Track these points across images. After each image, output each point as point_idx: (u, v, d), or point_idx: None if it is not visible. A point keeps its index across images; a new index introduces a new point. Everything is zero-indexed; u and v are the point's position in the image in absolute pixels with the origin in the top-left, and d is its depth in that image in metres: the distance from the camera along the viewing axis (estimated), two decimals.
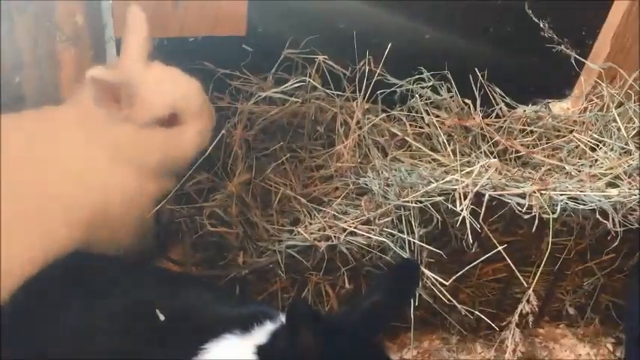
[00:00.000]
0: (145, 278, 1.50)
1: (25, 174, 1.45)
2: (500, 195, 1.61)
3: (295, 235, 1.65)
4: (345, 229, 1.63)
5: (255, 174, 1.76)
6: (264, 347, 1.26)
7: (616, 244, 1.67)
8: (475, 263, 1.62)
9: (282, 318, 1.33)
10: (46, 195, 1.45)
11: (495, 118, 1.99)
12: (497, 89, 2.01)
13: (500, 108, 2.01)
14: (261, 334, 1.30)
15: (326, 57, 1.83)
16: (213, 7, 1.81)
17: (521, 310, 1.55)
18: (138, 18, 1.53)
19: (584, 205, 1.62)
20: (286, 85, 1.78)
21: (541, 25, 1.99)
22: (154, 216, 1.63)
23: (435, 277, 1.57)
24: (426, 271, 1.58)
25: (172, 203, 1.66)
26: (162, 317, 1.34)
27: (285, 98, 1.81)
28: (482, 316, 1.66)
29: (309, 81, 1.81)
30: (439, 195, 1.59)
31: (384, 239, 1.61)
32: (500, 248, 1.57)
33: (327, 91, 1.86)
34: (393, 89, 1.94)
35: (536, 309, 1.70)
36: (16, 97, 1.75)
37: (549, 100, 2.14)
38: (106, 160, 1.50)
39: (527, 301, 1.54)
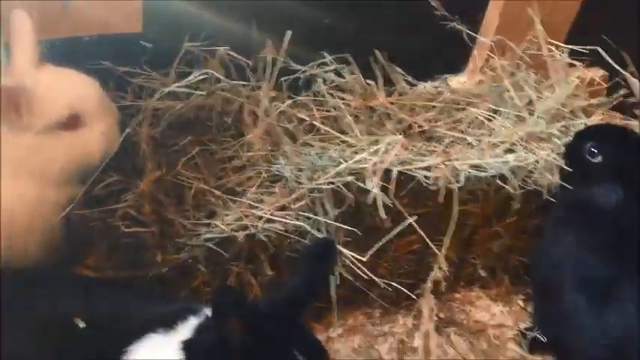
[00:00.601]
0: (62, 288, 1.46)
1: None
2: (407, 170, 1.67)
3: (212, 227, 1.65)
4: (261, 217, 1.65)
5: (166, 170, 1.74)
6: (190, 342, 1.26)
7: (518, 206, 1.77)
8: (388, 237, 1.68)
9: (207, 311, 1.33)
10: None
11: (398, 96, 2.06)
12: (398, 68, 2.07)
13: (402, 86, 2.07)
14: (186, 329, 1.30)
15: (227, 48, 1.83)
16: (106, 5, 1.77)
17: (435, 278, 1.62)
18: (23, 22, 1.49)
19: (486, 172, 1.71)
20: (189, 78, 1.77)
21: (433, 4, 2.07)
22: (64, 223, 1.58)
23: (353, 254, 1.62)
24: (344, 250, 1.63)
25: (83, 207, 1.62)
26: (81, 325, 1.31)
27: (190, 92, 1.79)
28: (401, 288, 1.72)
29: (211, 73, 1.80)
30: (349, 175, 1.63)
31: (300, 223, 1.64)
32: (411, 220, 1.63)
33: (231, 81, 1.86)
34: (296, 75, 1.96)
35: (449, 275, 1.78)
36: None
37: (447, 76, 2.23)
38: (7, 173, 1.45)
39: (440, 268, 1.62)
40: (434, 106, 2.06)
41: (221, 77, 1.82)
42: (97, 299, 1.40)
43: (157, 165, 1.73)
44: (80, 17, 1.75)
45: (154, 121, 1.77)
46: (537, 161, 1.76)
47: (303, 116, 1.93)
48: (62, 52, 1.74)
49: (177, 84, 1.77)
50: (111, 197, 1.68)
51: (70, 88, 1.49)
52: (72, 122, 1.48)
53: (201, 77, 1.78)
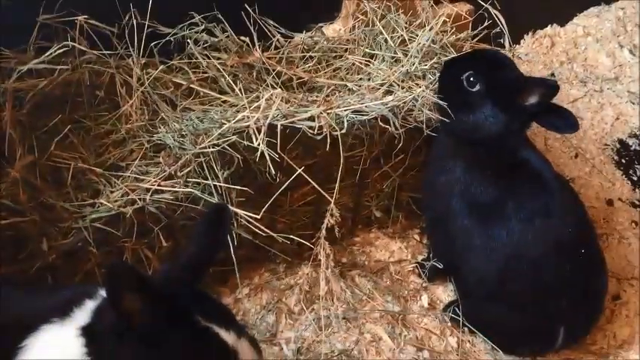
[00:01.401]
0: None
1: None
2: (291, 122, 1.66)
3: (98, 207, 1.59)
4: (149, 190, 1.60)
5: (40, 154, 1.64)
6: (89, 326, 1.21)
7: (401, 144, 1.82)
8: (279, 191, 1.68)
9: (102, 293, 1.28)
10: None
11: (274, 50, 2.03)
12: (271, 21, 2.04)
13: (278, 39, 2.05)
14: (84, 314, 1.25)
15: (87, 17, 1.72)
16: None
17: (330, 224, 1.65)
18: None
19: (367, 115, 1.73)
20: (48, 53, 1.66)
21: None
22: None
23: (247, 213, 1.61)
24: (238, 210, 1.61)
25: None
26: None
27: (53, 68, 1.68)
28: (300, 240, 1.74)
29: (73, 45, 1.70)
30: (234, 134, 1.61)
31: (190, 190, 1.61)
32: (300, 171, 1.64)
33: (97, 52, 1.76)
34: (167, 39, 1.89)
35: (346, 220, 1.82)
36: None
37: (321, 24, 2.22)
38: None
39: (332, 215, 1.64)
40: (311, 57, 2.06)
41: (85, 49, 1.72)
42: None
43: (28, 149, 1.62)
44: None
45: (18, 103, 1.65)
46: (415, 99, 1.80)
47: (179, 81, 1.87)
48: None
49: (36, 60, 1.65)
50: None
51: None
52: None
53: (63, 50, 1.67)
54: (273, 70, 1.93)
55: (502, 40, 2.22)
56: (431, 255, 1.98)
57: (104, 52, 1.77)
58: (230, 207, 1.51)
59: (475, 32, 2.17)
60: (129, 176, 1.65)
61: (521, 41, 2.94)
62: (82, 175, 1.68)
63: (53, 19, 1.69)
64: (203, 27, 1.91)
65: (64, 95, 1.76)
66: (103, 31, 1.77)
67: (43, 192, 1.58)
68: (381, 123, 1.75)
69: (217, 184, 1.60)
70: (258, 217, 1.59)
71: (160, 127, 1.74)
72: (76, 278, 1.62)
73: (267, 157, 1.59)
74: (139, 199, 1.58)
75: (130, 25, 1.80)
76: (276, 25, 2.06)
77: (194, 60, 1.93)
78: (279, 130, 1.63)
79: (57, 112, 1.73)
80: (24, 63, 1.65)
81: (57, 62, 1.69)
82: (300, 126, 1.66)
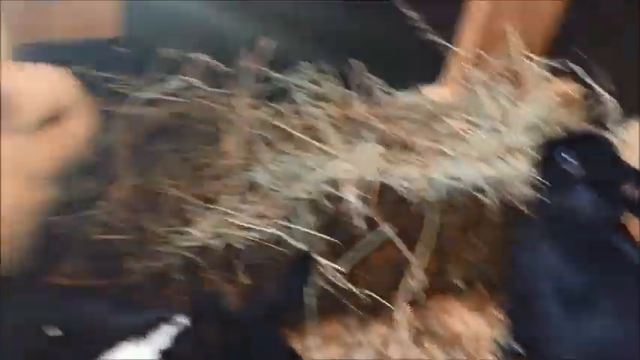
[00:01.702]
0: (34, 296, 1.43)
1: None
2: (385, 180, 1.67)
3: (188, 235, 1.63)
4: (238, 226, 1.63)
5: (142, 177, 1.71)
6: (169, 351, 1.24)
7: (493, 217, 1.78)
8: (366, 248, 1.67)
9: (182, 320, 1.31)
10: None
11: (375, 106, 2.06)
12: (376, 78, 2.07)
13: (379, 96, 2.08)
14: (162, 338, 1.28)
15: (205, 55, 1.81)
16: (86, 8, 1.75)
17: (410, 287, 1.62)
18: None
19: (462, 184, 1.72)
20: (166, 85, 1.75)
21: (408, 14, 2.08)
22: (40, 230, 1.55)
23: (331, 264, 1.61)
24: (321, 259, 1.62)
25: (58, 214, 1.59)
26: (55, 333, 1.28)
27: (166, 98, 1.77)
28: (378, 297, 1.72)
29: (189, 80, 1.78)
30: (327, 184, 1.63)
31: (277, 232, 1.63)
32: (388, 231, 1.63)
33: (209, 88, 1.84)
34: (274, 83, 1.95)
35: (426, 285, 1.78)
36: None
37: (423, 85, 2.24)
38: None
39: (415, 278, 1.62)
40: (411, 118, 2.07)
41: (198, 84, 1.80)
42: (69, 308, 1.36)
43: (132, 172, 1.71)
44: (60, 20, 1.72)
45: (130, 128, 1.75)
46: (513, 173, 1.77)
47: (280, 124, 1.92)
48: (40, 54, 1.70)
49: (154, 90, 1.74)
50: (87, 203, 1.65)
51: (49, 86, 1.47)
52: (54, 118, 1.45)
53: (179, 84, 1.76)
54: (373, 126, 1.95)
55: (608, 123, 2.17)
56: (510, 336, 1.90)
57: (215, 89, 1.85)
58: (315, 256, 1.52)
59: (581, 112, 2.13)
60: (221, 210, 1.70)
61: (628, 126, 2.85)
62: (177, 203, 1.73)
63: (175, 53, 1.80)
64: (311, 76, 1.96)
65: (171, 125, 1.84)
66: (218, 69, 1.86)
67: (139, 214, 1.65)
68: (475, 193, 1.73)
69: (305, 229, 1.62)
70: (342, 270, 1.59)
71: (255, 167, 1.79)
72: (157, 300, 1.66)
73: (358, 212, 1.60)
74: (228, 233, 1.61)
75: (242, 67, 1.88)
76: (380, 81, 2.10)
77: (297, 106, 1.98)
78: (372, 185, 1.64)
79: (163, 140, 1.81)
80: (143, 91, 1.75)
81: (171, 93, 1.78)
82: (394, 185, 1.66)
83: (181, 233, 1.65)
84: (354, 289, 1.68)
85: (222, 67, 1.86)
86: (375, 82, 2.09)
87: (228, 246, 1.62)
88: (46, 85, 1.47)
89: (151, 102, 1.81)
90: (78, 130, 1.51)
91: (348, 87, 2.02)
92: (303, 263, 1.29)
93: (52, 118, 1.46)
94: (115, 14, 1.79)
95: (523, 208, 1.77)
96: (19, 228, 1.50)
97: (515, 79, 2.14)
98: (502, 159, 1.85)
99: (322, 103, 1.98)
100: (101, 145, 1.63)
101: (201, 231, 1.62)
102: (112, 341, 1.26)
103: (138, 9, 1.78)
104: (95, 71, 1.75)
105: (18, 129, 1.42)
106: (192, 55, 1.81)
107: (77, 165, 1.55)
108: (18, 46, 1.70)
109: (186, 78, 1.78)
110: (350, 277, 1.80)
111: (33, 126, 1.43)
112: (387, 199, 1.70)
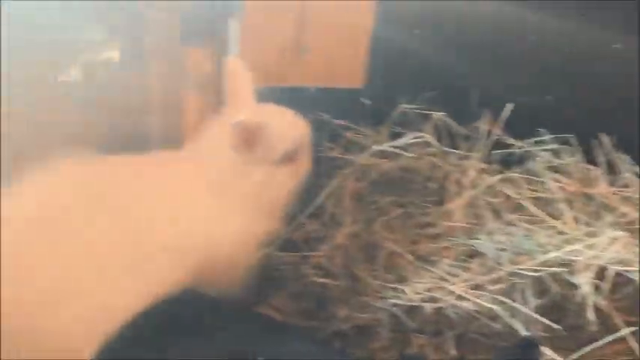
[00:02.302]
0: (247, 325, 1.49)
1: (137, 219, 1.43)
2: (626, 270, 1.49)
3: (400, 293, 1.60)
4: (453, 292, 1.56)
5: (363, 227, 1.73)
6: None
7: None
8: (597, 344, 1.49)
9: None
10: (157, 242, 1.43)
11: (622, 187, 1.86)
12: (626, 157, 1.88)
13: (628, 177, 1.88)
14: None
15: (444, 113, 1.80)
16: (333, 59, 1.84)
17: None
18: (238, 65, 1.58)
19: None
20: (401, 140, 1.77)
21: None
22: (260, 261, 1.63)
23: (553, 354, 1.46)
24: (546, 351, 1.47)
25: (278, 250, 1.66)
26: None
27: (399, 153, 1.79)
28: None
29: (423, 135, 1.78)
30: (559, 266, 1.49)
31: (494, 307, 1.52)
32: (626, 331, 1.44)
33: (442, 147, 1.82)
34: (510, 150, 1.87)
35: None
36: (142, 137, 1.83)
37: None
38: (226, 207, 1.50)
39: None
40: None
41: (432, 141, 1.79)
42: (279, 342, 1.40)
43: (356, 220, 1.73)
44: (307, 68, 1.84)
45: (360, 177, 1.79)
46: None
47: (510, 193, 1.83)
48: (286, 99, 1.83)
49: (388, 143, 1.77)
50: (306, 244, 1.71)
51: (291, 124, 1.55)
52: (289, 158, 1.53)
53: (413, 139, 1.77)
54: (616, 209, 1.76)
55: None
56: None
57: (448, 149, 1.82)
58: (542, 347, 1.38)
59: None
60: (437, 273, 1.64)
61: None
62: (393, 258, 1.72)
63: (413, 109, 1.81)
64: (552, 147, 1.85)
65: (400, 180, 1.85)
66: (453, 129, 1.84)
67: (357, 263, 1.66)
68: None
69: (526, 310, 1.49)
70: None
71: (479, 234, 1.71)
72: (360, 353, 1.64)
73: (589, 301, 1.43)
74: (442, 299, 1.54)
75: (479, 130, 1.83)
76: (630, 161, 1.90)
77: (532, 177, 1.87)
78: (610, 275, 1.47)
79: (389, 193, 1.82)
80: (377, 142, 1.78)
81: (404, 148, 1.79)
82: (636, 278, 1.47)
83: (394, 289, 1.62)
84: None
85: (457, 126, 1.84)
86: (624, 161, 1.90)
87: (440, 311, 1.56)
88: (288, 123, 1.56)
89: (383, 153, 1.84)
90: (302, 170, 1.57)
91: (591, 162, 1.86)
92: (526, 351, 1.18)
93: (289, 156, 1.54)
94: (361, 66, 1.86)
95: None
96: (243, 257, 1.58)
97: None
98: None
99: (560, 177, 1.84)
100: (329, 190, 1.69)
101: (414, 291, 1.57)
102: None
103: (384, 61, 1.83)
104: (336, 119, 1.84)
105: (264, 161, 1.50)
106: (430, 112, 1.82)
107: (302, 205, 1.62)
108: (267, 90, 1.85)
109: (421, 134, 1.78)
110: None
111: (275, 160, 1.51)
112: (625, 292, 1.50)
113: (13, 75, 1.54)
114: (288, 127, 1.57)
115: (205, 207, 1.49)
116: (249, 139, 1.46)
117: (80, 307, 1.34)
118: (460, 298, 1.55)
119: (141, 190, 1.47)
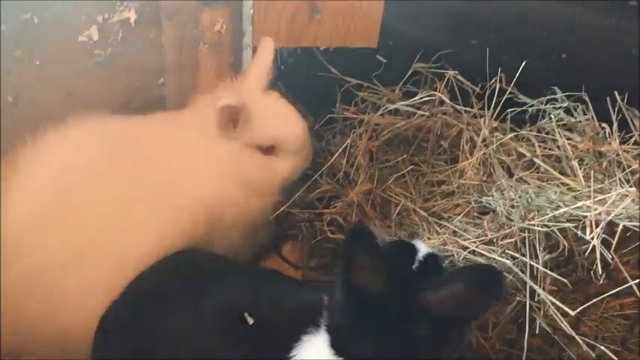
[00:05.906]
0: (244, 276, 1.47)
1: (153, 173, 1.53)
2: (635, 226, 1.51)
3: None
4: (464, 248, 1.60)
5: (377, 184, 1.76)
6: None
7: None
8: (603, 297, 1.53)
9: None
10: (171, 193, 1.53)
11: (634, 144, 1.88)
12: (638, 113, 1.89)
13: None
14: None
15: (456, 72, 1.81)
16: (348, 20, 1.85)
17: None
18: (267, 51, 1.63)
19: None
20: (415, 98, 1.78)
21: None
22: (272, 221, 1.69)
23: (559, 304, 1.50)
24: (549, 298, 1.51)
25: (295, 207, 1.71)
26: (250, 321, 1.28)
27: (412, 111, 1.81)
28: (607, 351, 1.56)
29: (437, 95, 1.80)
30: (567, 221, 1.52)
31: (505, 261, 1.56)
32: (632, 283, 1.47)
33: (455, 106, 1.84)
34: (523, 108, 1.88)
35: None
36: (158, 98, 1.87)
37: None
38: (213, 173, 1.58)
39: None
40: None
41: (446, 100, 1.81)
42: (278, 290, 1.39)
43: (369, 178, 1.76)
44: (322, 30, 1.85)
45: (373, 136, 1.81)
46: None
47: (523, 151, 1.85)
48: (300, 59, 1.85)
49: (401, 102, 1.79)
50: (321, 202, 1.75)
51: (283, 124, 1.61)
52: (269, 149, 1.60)
53: (426, 98, 1.78)
54: (628, 166, 1.78)
55: None
56: None
57: (461, 107, 1.84)
58: (544, 294, 1.42)
59: None
60: (449, 228, 1.68)
61: None
62: (406, 214, 1.76)
63: (426, 69, 1.82)
64: (565, 104, 1.85)
65: (413, 138, 1.87)
66: (466, 87, 1.85)
67: (370, 219, 1.70)
68: None
69: (535, 264, 1.53)
70: (572, 313, 1.47)
71: (491, 191, 1.74)
72: None
73: (598, 255, 1.47)
74: (454, 253, 1.59)
75: (492, 88, 1.84)
76: None
77: (544, 135, 1.88)
78: (619, 230, 1.50)
79: (402, 151, 1.85)
80: (391, 102, 1.81)
81: (417, 107, 1.80)
82: None
83: None
84: (578, 339, 1.54)
85: (471, 85, 1.85)
86: (636, 117, 1.90)
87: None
88: (279, 120, 1.61)
89: (396, 112, 1.86)
90: (287, 166, 1.64)
91: (605, 120, 1.87)
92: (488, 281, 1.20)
93: (270, 148, 1.60)
94: (376, 26, 1.86)
95: None
96: (247, 223, 1.66)
97: None
98: None
99: (572, 135, 1.86)
100: (345, 149, 1.72)
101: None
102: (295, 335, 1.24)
103: (398, 22, 1.83)
104: (350, 78, 1.86)
105: (243, 142, 1.58)
106: (444, 71, 1.82)
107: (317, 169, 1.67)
108: (283, 51, 1.87)
109: (435, 93, 1.79)
110: (576, 324, 1.67)
111: (254, 145, 1.59)
112: (633, 247, 1.54)
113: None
114: (283, 120, 1.62)
115: (205, 166, 1.57)
116: (231, 118, 1.53)
117: (102, 259, 1.42)
118: (472, 252, 1.59)
119: (153, 150, 1.56)
